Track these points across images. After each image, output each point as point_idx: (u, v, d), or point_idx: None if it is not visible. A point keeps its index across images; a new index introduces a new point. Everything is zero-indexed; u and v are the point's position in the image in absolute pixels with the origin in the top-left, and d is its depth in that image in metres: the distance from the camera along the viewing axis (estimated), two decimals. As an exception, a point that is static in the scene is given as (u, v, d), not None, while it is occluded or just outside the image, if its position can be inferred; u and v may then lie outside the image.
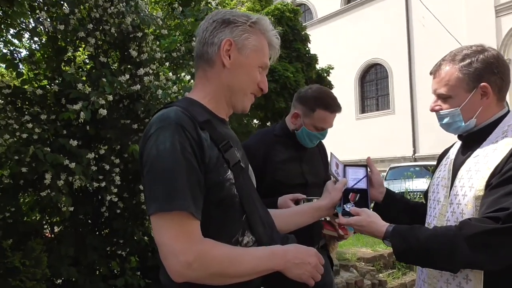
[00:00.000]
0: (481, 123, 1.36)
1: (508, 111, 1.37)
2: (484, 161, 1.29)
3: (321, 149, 2.20)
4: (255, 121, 8.92)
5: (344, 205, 1.43)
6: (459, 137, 1.47)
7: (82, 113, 2.45)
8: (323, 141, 2.23)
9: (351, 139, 22.11)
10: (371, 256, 4.97)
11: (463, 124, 1.36)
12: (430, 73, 1.45)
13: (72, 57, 2.99)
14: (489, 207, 1.18)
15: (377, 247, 5.43)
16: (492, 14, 18.10)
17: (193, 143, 0.98)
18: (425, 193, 1.64)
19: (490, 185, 1.22)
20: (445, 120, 1.39)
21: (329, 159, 1.61)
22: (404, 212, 1.60)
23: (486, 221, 1.15)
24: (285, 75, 7.86)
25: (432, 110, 1.44)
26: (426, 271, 1.41)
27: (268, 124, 8.84)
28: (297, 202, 1.77)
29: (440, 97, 1.40)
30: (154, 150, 0.96)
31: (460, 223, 1.21)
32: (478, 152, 1.34)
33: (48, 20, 2.63)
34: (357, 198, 1.47)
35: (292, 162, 2.02)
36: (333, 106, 1.93)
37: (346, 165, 1.64)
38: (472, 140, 1.39)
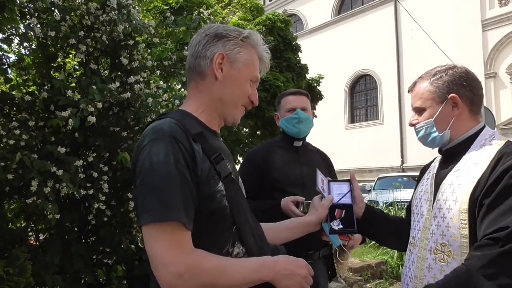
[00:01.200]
0: (457, 136, 1.43)
1: (484, 126, 1.44)
2: (466, 175, 1.33)
3: (324, 159, 2.33)
4: (245, 129, 8.94)
5: (331, 223, 1.49)
6: (439, 151, 1.52)
7: (70, 120, 2.44)
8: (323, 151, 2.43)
9: (341, 148, 22.26)
10: (359, 266, 4.99)
11: (438, 134, 1.42)
12: (408, 91, 1.55)
13: (62, 63, 2.97)
14: (488, 228, 1.18)
15: (365, 257, 5.45)
16: (479, 28, 18.51)
17: (186, 155, 0.99)
18: (407, 208, 1.69)
19: (481, 203, 1.23)
20: (421, 133, 1.46)
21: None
22: (384, 226, 1.64)
23: (488, 244, 1.14)
24: (275, 85, 7.91)
25: (411, 124, 1.52)
26: (412, 284, 1.43)
27: (258, 132, 8.86)
28: (297, 204, 1.87)
29: (416, 110, 1.49)
30: (148, 161, 0.97)
31: (466, 258, 1.20)
32: (459, 166, 1.38)
33: (39, 26, 2.61)
34: (343, 215, 1.51)
35: (291, 163, 2.15)
36: (291, 91, 2.28)
37: (330, 180, 1.69)
38: (452, 155, 1.44)
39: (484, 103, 9.65)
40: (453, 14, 19.16)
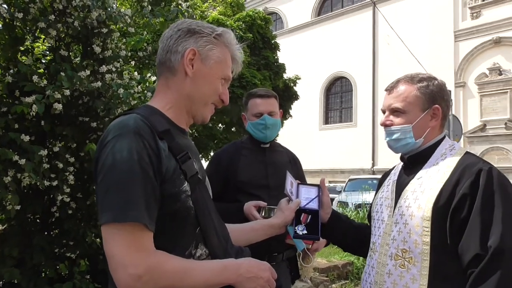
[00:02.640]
0: (424, 145, 1.46)
1: (444, 136, 1.49)
2: (429, 182, 1.37)
3: (292, 160, 2.30)
4: (220, 125, 8.89)
5: (296, 227, 1.49)
6: (401, 158, 1.55)
7: (34, 106, 2.33)
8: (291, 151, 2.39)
9: (314, 149, 22.55)
10: (326, 267, 5.05)
11: (413, 141, 1.44)
12: (386, 90, 1.53)
13: (30, 47, 2.84)
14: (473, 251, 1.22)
15: (332, 258, 5.53)
16: (451, 38, 19.12)
17: (150, 153, 0.96)
18: (368, 215, 1.71)
19: (454, 215, 1.27)
20: (395, 136, 1.46)
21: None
22: (348, 232, 1.67)
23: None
24: (252, 82, 7.91)
25: (383, 124, 1.51)
26: (373, 278, 1.44)
27: (233, 129, 8.83)
28: (259, 209, 1.86)
29: (394, 111, 1.47)
30: (110, 158, 0.94)
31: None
32: (421, 173, 1.42)
33: (5, 6, 2.48)
34: (308, 220, 1.52)
35: (257, 164, 2.13)
36: (259, 92, 2.18)
37: (299, 183, 1.69)
38: (414, 162, 1.48)
39: (453, 112, 9.98)
40: (428, 23, 19.69)
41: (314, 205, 1.57)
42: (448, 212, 1.28)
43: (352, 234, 1.66)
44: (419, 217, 1.32)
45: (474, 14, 18.84)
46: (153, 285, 0.92)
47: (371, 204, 1.67)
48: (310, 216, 1.52)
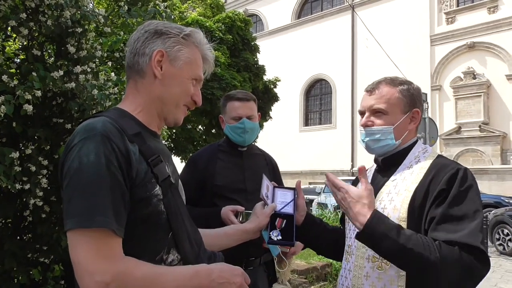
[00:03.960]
0: (399, 147, 1.49)
1: (417, 140, 1.52)
2: (403, 184, 1.39)
3: (269, 163, 2.28)
4: (199, 127, 8.84)
5: (271, 233, 1.47)
6: (375, 161, 1.57)
7: (3, 107, 2.26)
8: (269, 154, 2.38)
9: (294, 150, 22.68)
10: (305, 268, 5.07)
11: (393, 142, 1.45)
12: (366, 90, 1.53)
13: (1, 46, 2.76)
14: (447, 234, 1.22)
15: (311, 260, 5.55)
16: (428, 43, 19.59)
17: (119, 156, 0.94)
18: (341, 218, 1.72)
19: (429, 211, 1.28)
20: (376, 136, 1.46)
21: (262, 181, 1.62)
22: (322, 235, 1.67)
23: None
24: (232, 84, 7.90)
25: (364, 125, 1.50)
26: (350, 282, 1.45)
27: (212, 131, 8.79)
28: (236, 214, 1.82)
29: (375, 112, 1.47)
30: (76, 162, 0.91)
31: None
32: (396, 176, 1.44)
33: (-25, 4, 2.40)
34: (283, 225, 1.50)
35: (234, 168, 2.09)
36: (238, 95, 2.13)
37: (275, 186, 1.68)
38: (388, 164, 1.50)
39: (429, 114, 10.20)
40: (405, 28, 20.13)
41: (289, 209, 1.56)
42: (423, 211, 1.30)
43: (327, 237, 1.66)
44: (395, 218, 1.33)
45: (449, 19, 19.36)
46: None
47: None
48: (285, 220, 1.50)
